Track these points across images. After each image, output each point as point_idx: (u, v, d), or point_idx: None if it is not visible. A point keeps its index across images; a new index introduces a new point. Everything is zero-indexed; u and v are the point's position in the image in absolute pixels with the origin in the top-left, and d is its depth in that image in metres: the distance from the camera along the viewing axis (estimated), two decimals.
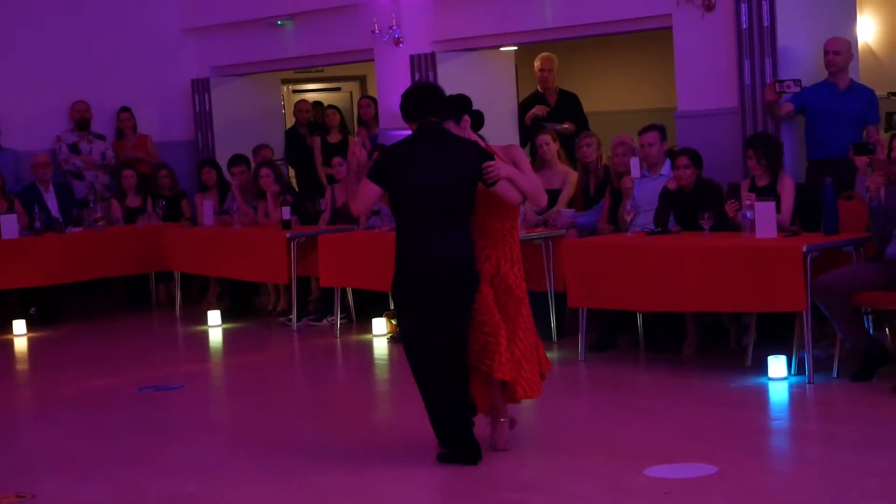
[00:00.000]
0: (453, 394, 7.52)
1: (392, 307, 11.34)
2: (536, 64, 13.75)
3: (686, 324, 10.26)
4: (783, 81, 10.73)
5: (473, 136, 7.78)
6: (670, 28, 11.91)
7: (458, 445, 7.52)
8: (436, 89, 7.72)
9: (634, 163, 10.85)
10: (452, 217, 7.45)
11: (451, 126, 7.63)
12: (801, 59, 11.16)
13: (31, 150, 14.87)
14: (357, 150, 8.01)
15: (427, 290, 7.46)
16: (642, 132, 10.85)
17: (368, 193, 7.54)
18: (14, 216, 13.44)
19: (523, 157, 7.86)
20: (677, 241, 9.82)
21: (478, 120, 7.86)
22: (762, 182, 10.02)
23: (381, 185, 7.51)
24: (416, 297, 7.49)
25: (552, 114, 13.41)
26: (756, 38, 11.12)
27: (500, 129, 13.66)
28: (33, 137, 15.19)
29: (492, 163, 7.41)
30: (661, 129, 10.82)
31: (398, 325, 8.19)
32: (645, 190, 10.69)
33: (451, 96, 7.79)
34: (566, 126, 13.11)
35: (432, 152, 7.47)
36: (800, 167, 11.04)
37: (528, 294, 7.97)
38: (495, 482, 7.26)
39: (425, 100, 7.59)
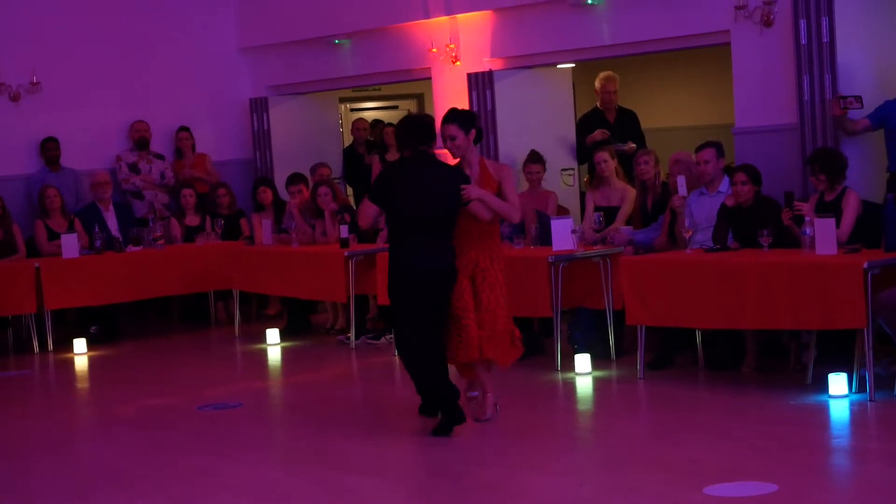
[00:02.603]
0: (439, 372, 8.71)
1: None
2: (599, 84, 13.72)
3: (745, 341, 10.20)
4: (846, 97, 10.67)
5: (474, 148, 8.95)
6: (728, 44, 11.86)
7: (445, 414, 8.67)
8: (428, 121, 8.88)
9: (682, 181, 10.83)
10: (439, 231, 8.67)
11: (459, 136, 8.81)
12: (860, 75, 11.09)
13: (92, 169, 15.01)
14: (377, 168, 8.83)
15: (419, 293, 8.62)
16: (699, 149, 10.80)
17: (367, 212, 8.88)
18: (74, 235, 13.54)
19: (509, 176, 9.05)
20: (736, 258, 9.75)
21: (478, 135, 8.97)
22: (829, 197, 9.95)
23: (378, 205, 8.81)
24: (410, 298, 8.65)
25: (612, 132, 13.40)
26: (815, 54, 11.05)
27: (557, 147, 13.69)
28: (93, 157, 15.34)
29: (466, 186, 8.67)
30: (717, 146, 10.76)
31: (393, 321, 9.23)
32: (703, 207, 10.64)
33: (465, 111, 9.05)
34: (628, 147, 13.07)
35: (423, 177, 8.68)
36: (868, 182, 10.93)
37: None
38: (556, 501, 7.23)
39: (419, 132, 8.76)
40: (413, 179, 8.65)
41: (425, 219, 8.61)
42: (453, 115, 8.93)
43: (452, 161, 9.02)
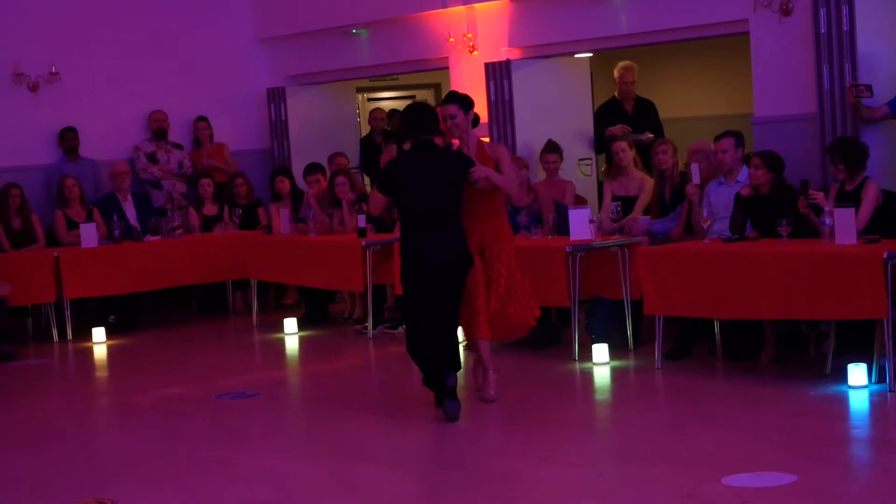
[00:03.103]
0: (448, 360, 8.79)
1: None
2: (617, 74, 13.68)
3: (763, 332, 10.16)
4: (858, 86, 10.64)
5: (472, 131, 9.31)
6: (747, 33, 11.82)
7: (448, 398, 8.77)
8: (429, 110, 9.12)
9: (695, 169, 10.85)
10: (448, 219, 8.84)
11: (460, 115, 9.15)
12: (880, 64, 11.04)
13: (110, 159, 15.04)
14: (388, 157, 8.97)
15: (435, 282, 8.77)
16: (717, 139, 10.77)
17: (376, 202, 9.22)
18: (93, 225, 13.57)
19: (505, 155, 9.41)
20: (754, 247, 9.72)
21: (475, 120, 9.36)
22: (849, 187, 9.90)
23: (385, 195, 9.04)
24: (425, 288, 8.79)
25: (630, 123, 13.36)
26: (835, 43, 11.01)
27: (575, 136, 13.66)
28: (112, 147, 15.37)
29: (473, 168, 8.91)
30: (737, 136, 10.72)
31: (404, 309, 9.37)
32: (722, 196, 10.61)
33: (463, 95, 9.33)
34: (646, 137, 13.04)
35: (428, 165, 8.87)
36: (889, 172, 10.86)
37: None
38: (573, 492, 7.22)
39: (420, 121, 8.99)
40: (417, 172, 8.84)
41: (433, 210, 8.80)
42: (453, 97, 9.37)
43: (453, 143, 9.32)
